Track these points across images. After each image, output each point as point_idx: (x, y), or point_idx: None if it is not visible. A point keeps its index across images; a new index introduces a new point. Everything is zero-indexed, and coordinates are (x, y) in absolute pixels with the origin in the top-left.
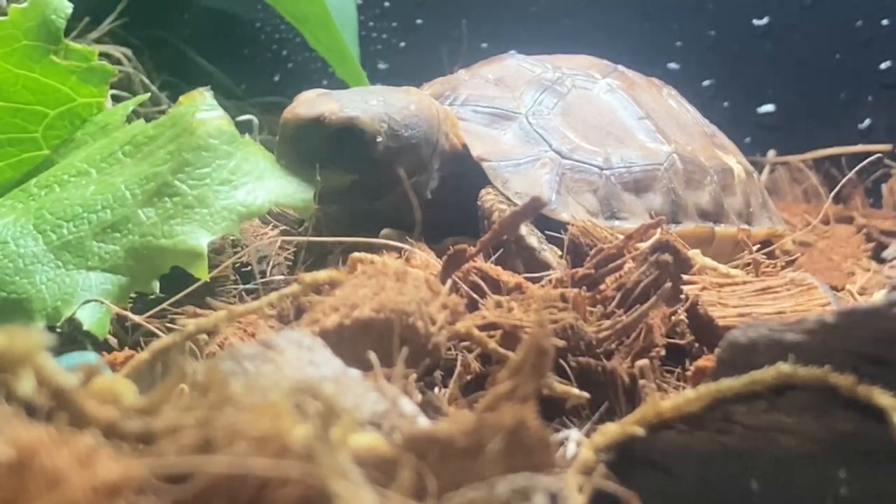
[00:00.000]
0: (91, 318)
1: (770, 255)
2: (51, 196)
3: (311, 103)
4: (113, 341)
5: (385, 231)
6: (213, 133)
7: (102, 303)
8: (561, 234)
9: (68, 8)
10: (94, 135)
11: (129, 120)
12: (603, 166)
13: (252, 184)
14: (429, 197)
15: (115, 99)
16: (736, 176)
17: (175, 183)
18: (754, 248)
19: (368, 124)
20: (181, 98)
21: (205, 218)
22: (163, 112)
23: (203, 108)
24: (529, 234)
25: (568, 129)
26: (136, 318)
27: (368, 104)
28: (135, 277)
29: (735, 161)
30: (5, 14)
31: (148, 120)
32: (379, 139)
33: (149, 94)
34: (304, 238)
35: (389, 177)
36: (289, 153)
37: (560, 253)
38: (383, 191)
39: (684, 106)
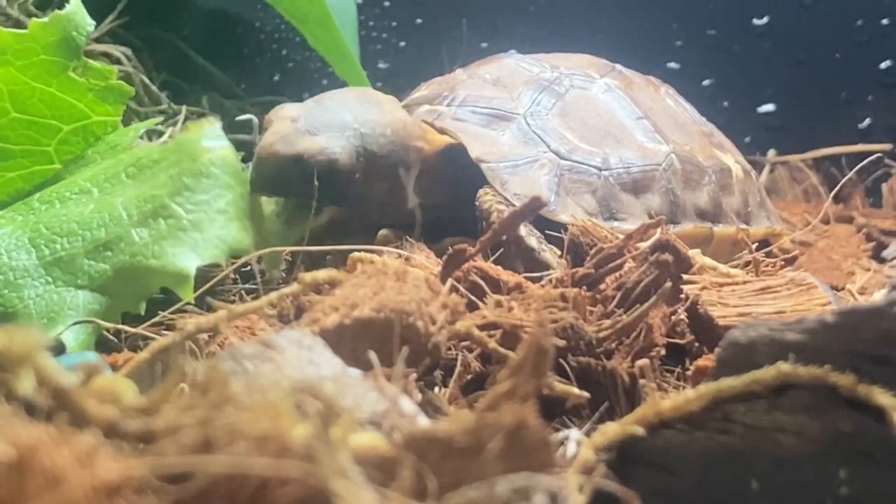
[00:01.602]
0: (76, 339)
1: (769, 255)
2: (50, 211)
3: (288, 139)
4: (112, 341)
5: (383, 232)
6: (216, 162)
7: (90, 322)
8: (560, 233)
9: (90, 25)
10: (104, 154)
11: (126, 120)
12: (601, 167)
13: (244, 221)
14: (409, 208)
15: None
16: (734, 175)
17: (171, 206)
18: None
19: (347, 163)
20: (189, 125)
21: (196, 242)
22: (163, 112)
23: (209, 137)
24: (529, 234)
25: (566, 130)
26: (133, 330)
27: (345, 136)
28: (122, 297)
29: (733, 160)
30: (12, 22)
31: (146, 118)
32: (357, 175)
33: (160, 118)
34: (303, 248)
35: (365, 203)
36: (264, 188)
37: (559, 253)
38: (363, 217)
39: (682, 105)
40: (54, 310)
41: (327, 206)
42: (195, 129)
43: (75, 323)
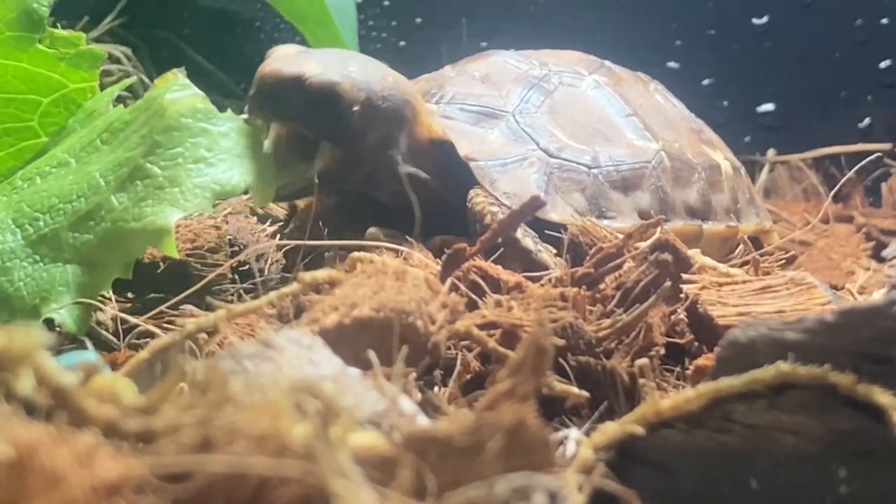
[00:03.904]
0: (70, 318)
1: (767, 254)
2: (31, 188)
3: (291, 60)
4: (112, 341)
5: (371, 230)
6: (184, 112)
7: (84, 302)
8: (559, 233)
9: None
10: (83, 122)
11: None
12: (591, 165)
13: (229, 161)
14: (399, 173)
15: (116, 98)
16: (723, 172)
17: (146, 166)
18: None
19: (348, 91)
20: (156, 80)
21: (175, 197)
22: None
23: (175, 89)
24: (524, 236)
25: (555, 128)
26: (135, 320)
27: (348, 70)
28: (110, 266)
29: (722, 157)
30: None
31: None
32: (355, 108)
33: (135, 78)
34: (297, 241)
35: (358, 146)
36: (261, 109)
37: (554, 251)
38: (354, 164)
39: (671, 101)
40: (45, 288)
41: (323, 143)
42: (160, 84)
43: (77, 303)
